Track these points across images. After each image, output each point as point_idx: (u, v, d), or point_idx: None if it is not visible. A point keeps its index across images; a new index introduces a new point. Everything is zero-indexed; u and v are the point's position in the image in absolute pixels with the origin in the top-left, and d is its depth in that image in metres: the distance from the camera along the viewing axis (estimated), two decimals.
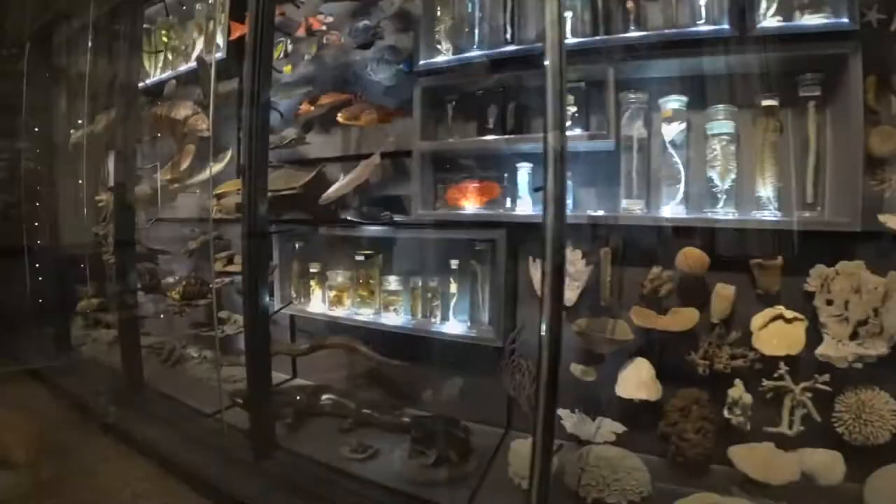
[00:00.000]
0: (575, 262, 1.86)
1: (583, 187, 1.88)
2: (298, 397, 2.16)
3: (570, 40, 1.80)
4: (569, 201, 1.85)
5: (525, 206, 1.90)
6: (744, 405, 1.64)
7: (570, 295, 1.88)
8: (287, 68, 2.48)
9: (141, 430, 2.23)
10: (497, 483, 1.70)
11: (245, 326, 1.85)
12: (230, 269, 2.48)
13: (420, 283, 2.10)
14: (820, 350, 1.58)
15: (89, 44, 3.01)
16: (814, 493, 1.51)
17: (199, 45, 2.86)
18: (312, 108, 2.25)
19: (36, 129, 3.32)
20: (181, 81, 2.83)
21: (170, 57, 2.97)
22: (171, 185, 2.72)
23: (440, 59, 2.00)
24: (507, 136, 1.89)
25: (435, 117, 2.08)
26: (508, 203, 1.98)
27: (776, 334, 1.67)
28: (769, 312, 1.68)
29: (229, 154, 2.66)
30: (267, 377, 1.86)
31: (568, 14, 1.83)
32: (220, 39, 2.73)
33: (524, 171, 1.89)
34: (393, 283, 2.15)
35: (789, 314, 1.65)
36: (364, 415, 2.07)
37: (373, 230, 2.17)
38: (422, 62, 2.00)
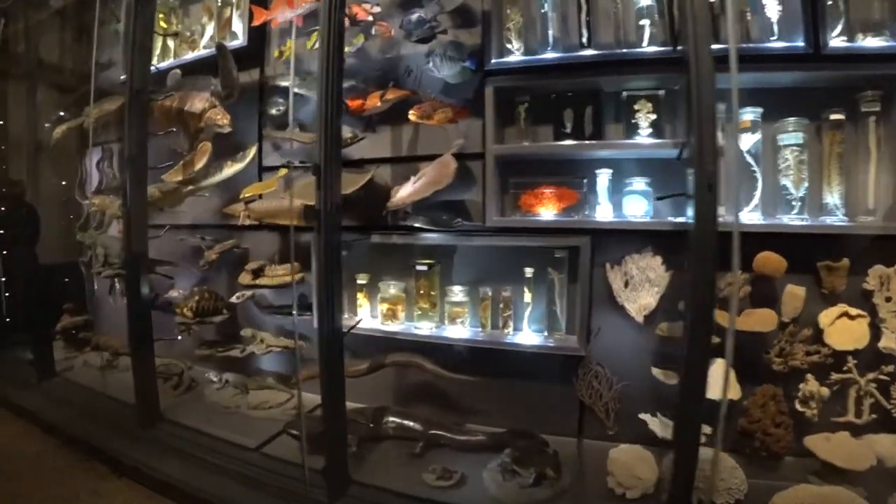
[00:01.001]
0: (655, 267, 1.90)
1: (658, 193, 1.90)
2: (359, 421, 1.99)
3: (650, 49, 1.82)
4: (648, 207, 1.88)
5: (605, 213, 1.89)
6: (819, 398, 1.76)
7: (650, 300, 1.92)
8: None
9: (164, 468, 1.97)
10: (601, 496, 1.68)
11: (320, 347, 1.67)
12: (262, 281, 2.24)
13: (490, 293, 2.02)
14: (882, 343, 1.74)
15: None
16: (886, 476, 1.64)
17: (210, 30, 2.57)
18: (377, 102, 2.08)
19: None
20: (185, 72, 2.53)
21: (170, 44, 2.64)
22: (184, 188, 2.42)
23: (512, 59, 1.95)
24: (592, 142, 1.89)
25: (502, 119, 2.01)
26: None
27: (843, 330, 1.80)
28: (835, 310, 1.82)
29: (252, 152, 2.41)
30: (343, 404, 1.70)
31: (645, 22, 1.85)
32: (236, 25, 2.48)
33: (604, 176, 1.89)
34: (458, 293, 2.06)
35: (853, 311, 1.79)
36: (434, 436, 1.96)
37: (433, 238, 2.07)
38: (493, 61, 1.92)
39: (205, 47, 2.62)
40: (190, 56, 2.58)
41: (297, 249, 2.46)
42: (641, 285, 1.93)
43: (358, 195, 2.03)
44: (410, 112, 1.93)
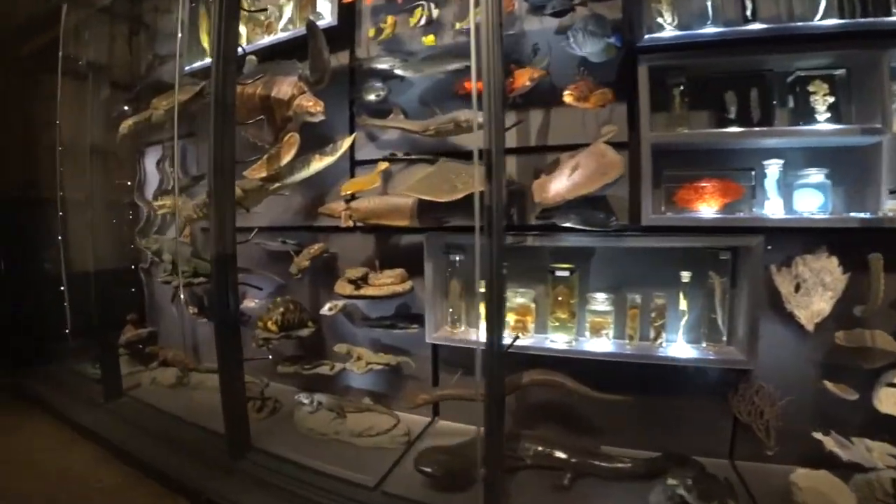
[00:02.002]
0: (832, 269, 1.70)
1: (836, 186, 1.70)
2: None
3: (831, 21, 1.61)
4: (823, 201, 1.68)
5: (774, 208, 1.69)
6: None
7: (824, 306, 1.73)
8: (428, 39, 2.06)
9: None
10: None
11: (485, 366, 1.46)
12: (368, 291, 2.02)
13: (638, 301, 1.81)
14: None
15: None
16: None
17: (288, 13, 2.32)
18: (526, 82, 1.87)
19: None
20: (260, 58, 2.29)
21: (241, 29, 2.38)
22: (269, 186, 2.17)
23: (665, 34, 1.72)
24: (764, 129, 1.69)
25: (652, 104, 1.79)
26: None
27: None
28: None
29: (346, 144, 2.18)
30: (501, 433, 1.49)
31: None
32: (322, 5, 2.23)
33: (774, 167, 1.69)
34: (602, 302, 1.85)
35: None
36: (581, 464, 1.76)
37: (573, 240, 1.85)
38: (647, 37, 1.70)
39: (283, 30, 2.36)
40: (266, 40, 2.32)
41: (398, 253, 2.26)
42: (814, 289, 1.73)
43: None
44: (566, 93, 1.71)
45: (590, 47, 1.79)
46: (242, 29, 2.49)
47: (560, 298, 1.90)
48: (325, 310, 2.24)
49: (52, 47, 2.65)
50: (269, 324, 2.25)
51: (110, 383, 2.39)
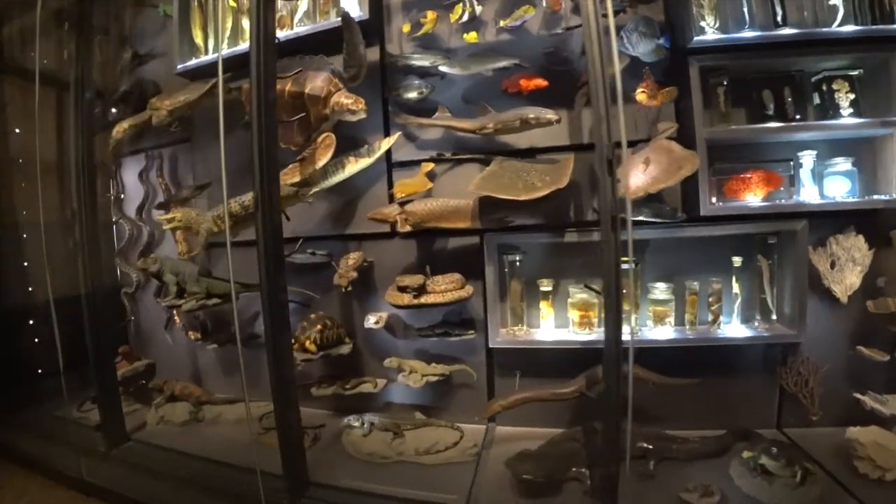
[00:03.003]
0: (860, 247, 1.92)
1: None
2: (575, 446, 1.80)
3: (850, 27, 1.83)
4: (850, 187, 1.89)
5: (810, 195, 1.88)
6: None
7: (855, 280, 1.95)
8: (471, 36, 2.04)
9: None
10: (859, 482, 1.67)
11: (606, 369, 1.46)
12: (430, 299, 1.93)
13: (696, 287, 1.92)
14: None
15: None
16: None
17: (304, 4, 2.18)
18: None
19: None
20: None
21: (245, 25, 2.20)
22: (304, 192, 2.01)
23: (711, 37, 1.86)
24: (800, 124, 1.88)
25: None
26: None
27: None
28: None
29: (386, 144, 2.09)
30: (621, 431, 1.50)
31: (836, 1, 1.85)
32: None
33: (809, 158, 1.89)
34: (663, 291, 1.93)
35: None
36: (659, 449, 1.82)
37: (639, 233, 1.92)
38: (696, 38, 1.82)
39: (299, 23, 2.21)
40: (286, 33, 2.14)
41: (442, 258, 2.19)
42: (846, 266, 1.95)
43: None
44: (638, 91, 1.77)
45: (642, 48, 1.87)
46: (247, 23, 2.29)
47: (624, 291, 1.94)
48: (371, 323, 2.10)
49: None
50: (308, 343, 2.07)
51: (112, 427, 2.05)
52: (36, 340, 2.20)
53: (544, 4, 1.95)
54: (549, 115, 1.85)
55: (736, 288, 1.98)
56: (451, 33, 2.13)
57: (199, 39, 2.39)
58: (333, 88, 2.00)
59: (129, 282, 2.60)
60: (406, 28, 2.13)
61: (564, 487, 1.72)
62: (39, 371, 2.20)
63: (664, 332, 1.98)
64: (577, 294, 2.01)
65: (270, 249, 1.73)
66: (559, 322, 2.12)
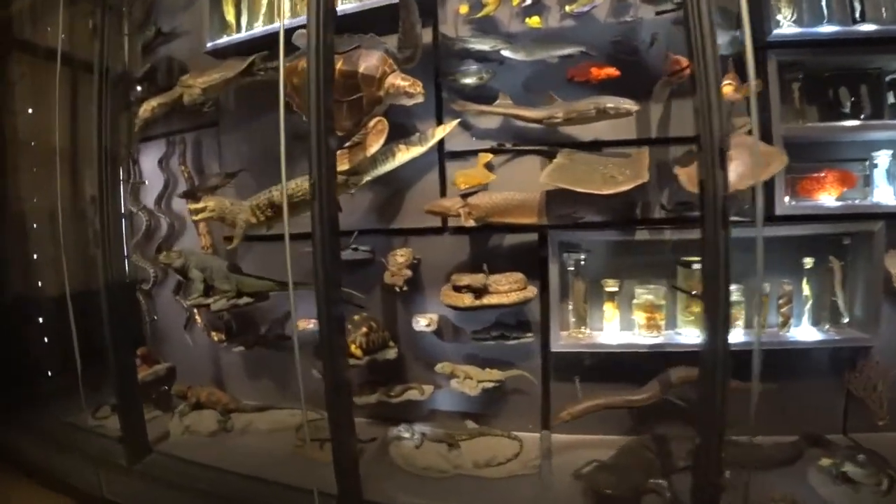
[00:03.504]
0: None
1: None
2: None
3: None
4: None
5: (885, 196, 1.84)
6: None
7: None
8: (534, 20, 1.93)
9: None
10: None
11: (706, 368, 1.36)
12: (493, 300, 1.81)
13: (768, 289, 1.86)
14: None
15: None
16: None
17: None
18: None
19: None
20: None
21: (284, 3, 2.04)
22: (353, 181, 1.87)
23: (790, 31, 1.79)
24: (879, 122, 1.84)
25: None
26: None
27: None
28: None
29: (442, 132, 1.96)
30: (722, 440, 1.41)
31: None
32: None
33: (885, 157, 1.85)
34: (733, 292, 1.85)
35: None
36: (731, 458, 1.73)
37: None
38: (775, 32, 1.75)
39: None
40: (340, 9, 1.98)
41: (499, 255, 2.07)
42: None
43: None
44: (726, 83, 1.67)
45: (719, 40, 1.79)
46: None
47: (694, 292, 1.86)
48: (423, 325, 1.97)
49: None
50: (353, 347, 1.92)
51: (134, 438, 1.84)
52: (42, 339, 1.97)
53: None
54: (628, 104, 1.75)
55: (806, 290, 1.93)
56: (511, 17, 2.02)
57: (230, 16, 2.22)
58: (388, 69, 1.85)
59: (146, 277, 2.39)
60: (464, 9, 2.00)
61: (643, 500, 1.63)
62: (49, 373, 1.97)
63: (735, 335, 1.90)
64: (644, 295, 1.92)
65: (327, 243, 1.58)
66: (623, 325, 2.02)
